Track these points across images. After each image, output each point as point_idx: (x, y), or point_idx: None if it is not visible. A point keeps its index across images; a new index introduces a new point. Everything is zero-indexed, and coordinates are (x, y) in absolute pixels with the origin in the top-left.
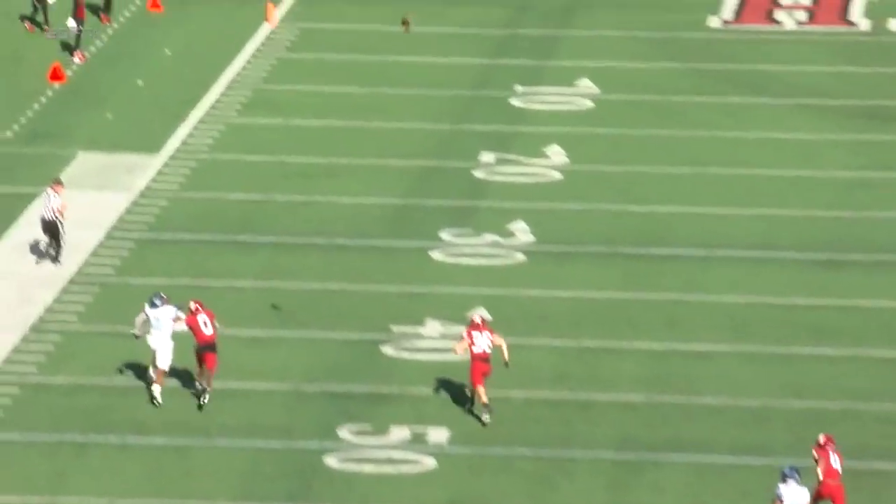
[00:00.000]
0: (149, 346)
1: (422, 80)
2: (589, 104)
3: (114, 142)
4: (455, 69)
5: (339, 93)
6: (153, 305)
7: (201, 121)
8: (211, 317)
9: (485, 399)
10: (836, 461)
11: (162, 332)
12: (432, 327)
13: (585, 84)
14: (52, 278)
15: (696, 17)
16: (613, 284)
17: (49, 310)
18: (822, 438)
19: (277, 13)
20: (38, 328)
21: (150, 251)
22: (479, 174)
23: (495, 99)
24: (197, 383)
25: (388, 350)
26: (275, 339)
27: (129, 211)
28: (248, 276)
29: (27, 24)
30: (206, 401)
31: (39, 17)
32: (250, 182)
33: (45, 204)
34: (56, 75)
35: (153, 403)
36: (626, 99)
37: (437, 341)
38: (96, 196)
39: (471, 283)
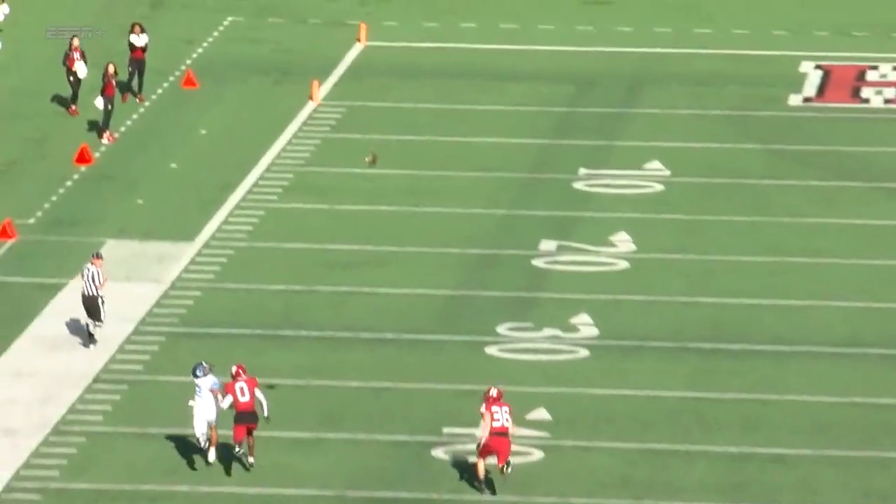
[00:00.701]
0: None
1: (477, 161)
2: (658, 187)
3: (145, 229)
4: (513, 149)
5: (388, 175)
6: (195, 375)
7: (239, 206)
8: (251, 384)
9: (482, 473)
10: None
11: (203, 400)
12: None
13: (655, 166)
14: (77, 376)
15: (775, 93)
16: (683, 383)
17: (72, 410)
18: None
19: (322, 90)
20: (60, 430)
21: (182, 346)
22: (539, 263)
23: (557, 182)
24: (237, 448)
25: (439, 453)
26: (317, 441)
27: (159, 303)
28: (288, 374)
29: (72, 109)
30: (251, 462)
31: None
32: (291, 272)
33: (85, 279)
34: (83, 157)
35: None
36: (699, 182)
37: None
38: (125, 287)
39: (529, 381)
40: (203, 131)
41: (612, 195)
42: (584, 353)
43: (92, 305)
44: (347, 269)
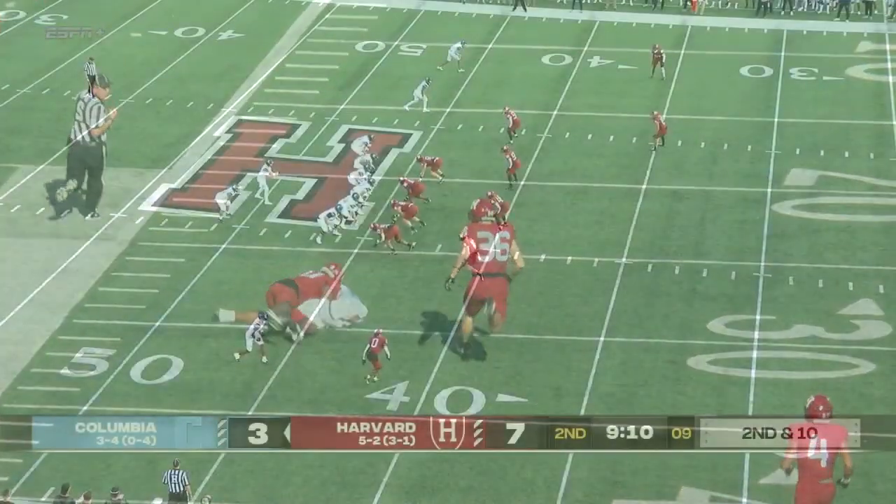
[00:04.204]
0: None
1: None
2: None
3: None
4: None
5: None
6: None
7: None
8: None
9: (467, 332)
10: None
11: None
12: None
13: None
14: None
15: None
16: None
17: None
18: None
19: None
20: None
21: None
22: (781, 209)
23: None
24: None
25: None
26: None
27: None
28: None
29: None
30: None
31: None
32: None
33: (79, 119)
34: None
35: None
36: None
37: None
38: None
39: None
40: None
41: None
42: (867, 366)
43: (91, 158)
44: None
